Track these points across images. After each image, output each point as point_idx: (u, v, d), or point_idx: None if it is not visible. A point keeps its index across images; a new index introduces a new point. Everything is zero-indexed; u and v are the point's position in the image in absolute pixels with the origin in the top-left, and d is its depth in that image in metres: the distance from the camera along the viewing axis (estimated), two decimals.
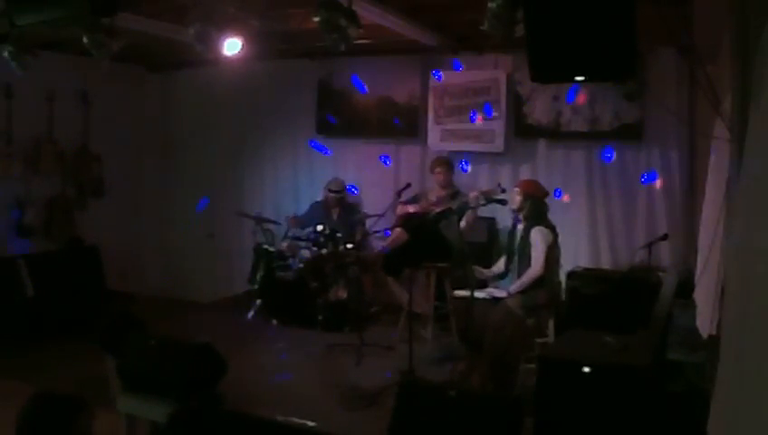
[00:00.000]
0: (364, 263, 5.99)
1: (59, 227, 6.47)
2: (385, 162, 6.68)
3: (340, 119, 6.80)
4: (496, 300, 4.66)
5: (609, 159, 5.80)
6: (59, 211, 6.48)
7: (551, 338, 4.76)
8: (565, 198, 5.84)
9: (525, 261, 4.70)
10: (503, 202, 4.91)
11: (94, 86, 6.63)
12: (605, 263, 5.78)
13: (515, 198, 4.81)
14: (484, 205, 5.07)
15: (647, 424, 3.01)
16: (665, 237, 5.36)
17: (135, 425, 3.63)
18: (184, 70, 7.33)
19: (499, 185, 5.10)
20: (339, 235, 6.03)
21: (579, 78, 2.76)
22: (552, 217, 4.89)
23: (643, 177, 5.68)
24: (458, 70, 6.33)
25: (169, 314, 6.56)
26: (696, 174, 5.26)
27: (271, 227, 6.57)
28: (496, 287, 4.97)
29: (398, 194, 5.85)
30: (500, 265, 5.01)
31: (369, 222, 6.17)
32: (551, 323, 4.81)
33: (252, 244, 6.54)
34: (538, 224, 4.71)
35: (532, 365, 4.21)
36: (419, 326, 5.25)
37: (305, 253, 6.18)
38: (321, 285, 6.03)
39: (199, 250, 7.32)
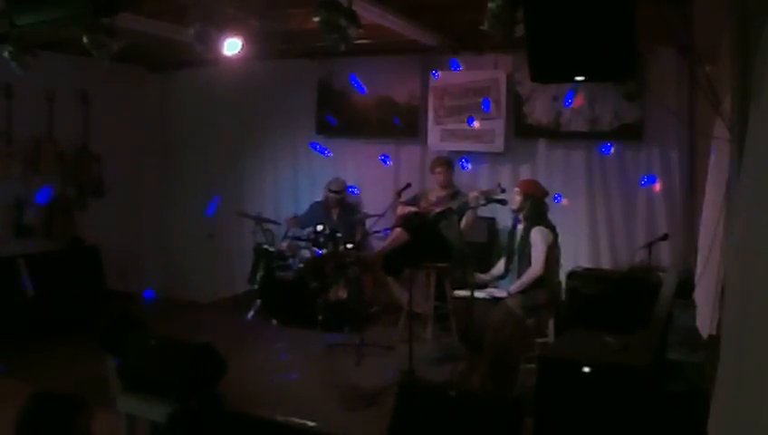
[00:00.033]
0: (364, 263, 5.99)
1: (59, 227, 6.47)
2: (385, 162, 6.68)
3: (340, 119, 6.80)
4: (496, 300, 4.66)
5: (610, 159, 5.80)
6: (59, 211, 6.48)
7: (551, 338, 4.76)
8: (565, 202, 5.84)
9: (525, 261, 4.70)
10: (503, 202, 4.92)
11: (94, 86, 6.63)
12: (605, 263, 5.78)
13: (515, 198, 4.81)
14: (484, 205, 5.08)
15: (647, 424, 3.01)
16: (665, 237, 5.36)
17: (135, 425, 3.63)
18: (184, 70, 7.33)
19: (499, 185, 5.10)
20: (339, 235, 6.03)
21: (579, 78, 2.76)
22: (552, 216, 4.89)
23: (643, 177, 5.68)
24: (458, 70, 6.33)
25: (169, 314, 6.57)
26: (696, 174, 5.26)
27: (271, 227, 6.57)
28: (496, 287, 4.96)
29: (398, 194, 5.85)
30: (499, 268, 5.00)
31: (369, 222, 6.18)
32: (551, 323, 4.81)
33: (252, 244, 6.54)
34: (538, 224, 4.71)
35: (532, 365, 4.21)
36: (419, 326, 5.25)
37: (305, 253, 6.18)
38: (321, 285, 6.03)
39: (199, 250, 7.32)
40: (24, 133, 6.11)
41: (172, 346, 3.69)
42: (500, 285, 4.96)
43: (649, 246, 5.25)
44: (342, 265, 5.99)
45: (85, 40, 3.89)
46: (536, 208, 4.77)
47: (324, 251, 5.99)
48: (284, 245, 6.34)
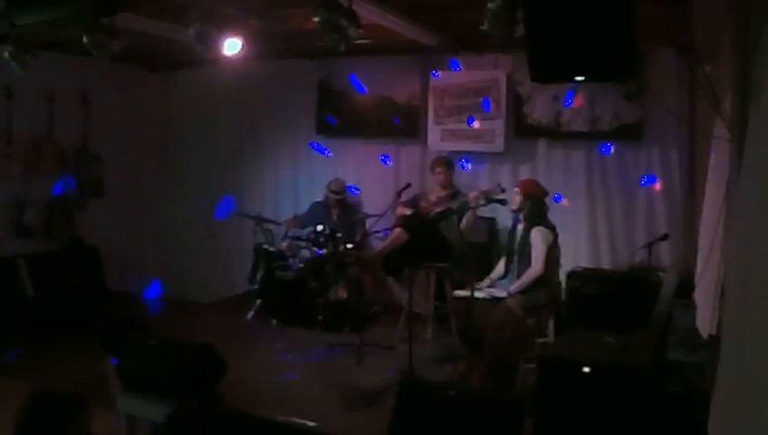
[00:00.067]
0: (364, 263, 5.98)
1: (59, 227, 6.47)
2: (385, 162, 6.68)
3: (340, 119, 6.80)
4: (496, 300, 4.65)
5: (609, 159, 5.79)
6: (59, 211, 6.48)
7: (551, 338, 4.76)
8: (565, 202, 5.84)
9: (525, 261, 4.70)
10: (503, 202, 4.92)
11: (94, 86, 6.63)
12: (605, 263, 5.78)
13: (515, 198, 4.81)
14: (484, 205, 5.08)
15: (647, 424, 3.01)
16: (665, 237, 5.36)
17: (135, 425, 3.63)
18: (184, 70, 7.33)
19: (499, 185, 5.11)
20: (339, 235, 6.03)
21: (579, 78, 2.76)
22: (552, 216, 4.88)
23: (643, 177, 5.68)
24: (458, 70, 6.33)
25: (169, 314, 6.57)
26: (696, 174, 5.25)
27: (271, 227, 6.56)
28: (496, 287, 4.96)
29: (399, 194, 5.85)
30: (499, 270, 4.99)
31: (369, 222, 6.18)
32: (551, 323, 4.81)
33: (252, 244, 6.54)
34: (538, 224, 4.71)
35: (532, 365, 4.22)
36: (419, 326, 5.25)
37: (305, 253, 6.18)
38: (321, 285, 6.03)
39: (199, 250, 7.32)
40: (24, 133, 6.11)
41: (172, 346, 3.69)
42: (500, 285, 4.95)
43: (649, 246, 5.25)
44: (342, 265, 5.99)
45: (85, 40, 3.89)
46: (536, 208, 4.76)
47: (324, 251, 5.99)
48: (284, 245, 6.34)
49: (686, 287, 4.47)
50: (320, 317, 5.92)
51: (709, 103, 3.33)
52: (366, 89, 6.65)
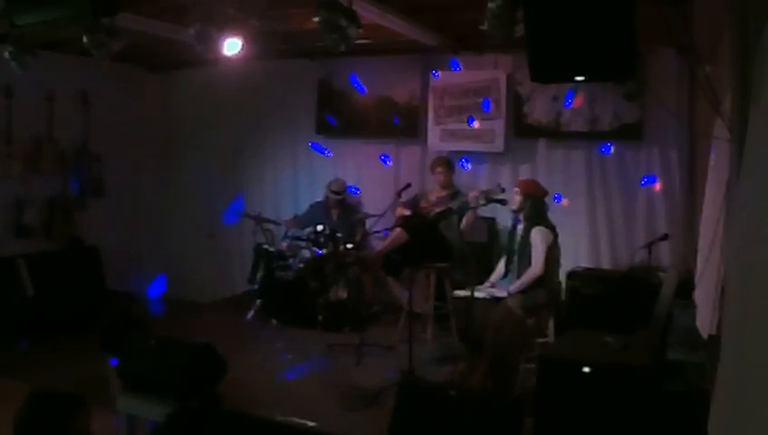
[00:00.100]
0: (364, 263, 5.98)
1: (59, 227, 6.47)
2: (385, 162, 6.68)
3: (340, 119, 6.80)
4: (496, 300, 4.65)
5: (609, 159, 5.79)
6: (59, 211, 6.48)
7: (551, 338, 4.76)
8: (565, 202, 5.84)
9: (525, 261, 4.69)
10: (503, 202, 4.92)
11: (94, 86, 6.63)
12: (605, 263, 5.78)
13: (515, 198, 4.81)
14: (484, 205, 5.07)
15: (647, 424, 3.01)
16: (665, 237, 5.36)
17: (135, 425, 3.63)
18: (184, 70, 7.33)
19: (499, 185, 5.10)
20: (339, 235, 6.03)
21: (579, 78, 2.76)
22: (552, 216, 4.88)
23: (643, 177, 5.68)
24: (458, 70, 6.33)
25: (169, 314, 6.57)
26: (696, 174, 5.25)
27: (271, 227, 6.57)
28: (496, 287, 4.96)
29: (399, 194, 5.84)
30: (499, 270, 4.99)
31: (369, 222, 6.18)
32: (551, 323, 4.81)
33: (252, 244, 6.54)
34: (538, 224, 4.70)
35: (532, 365, 4.22)
36: (419, 326, 5.25)
37: (305, 253, 6.18)
38: (321, 285, 6.03)
39: (199, 250, 7.32)
40: (24, 133, 6.11)
41: (172, 346, 3.69)
42: (500, 285, 4.95)
43: (649, 246, 5.25)
44: (342, 265, 5.99)
45: (85, 40, 3.89)
46: (536, 208, 4.76)
47: (324, 251, 5.99)
48: (284, 245, 6.34)
49: (686, 287, 4.47)
50: (320, 317, 5.92)
51: (709, 103, 3.33)
52: (366, 89, 6.65)
